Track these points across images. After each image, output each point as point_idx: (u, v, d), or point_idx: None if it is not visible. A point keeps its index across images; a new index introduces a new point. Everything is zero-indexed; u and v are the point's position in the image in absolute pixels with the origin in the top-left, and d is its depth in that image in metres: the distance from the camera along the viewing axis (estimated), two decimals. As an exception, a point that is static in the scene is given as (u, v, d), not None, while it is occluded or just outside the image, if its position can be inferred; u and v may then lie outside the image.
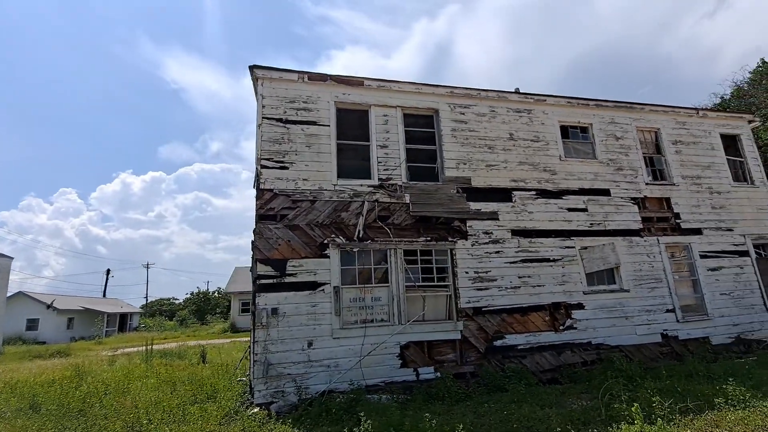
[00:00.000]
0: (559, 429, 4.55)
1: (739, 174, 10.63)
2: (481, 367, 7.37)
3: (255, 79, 7.90)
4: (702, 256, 9.40)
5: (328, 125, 7.96)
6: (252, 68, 7.83)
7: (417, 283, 7.57)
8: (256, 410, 6.21)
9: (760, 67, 19.76)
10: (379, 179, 7.94)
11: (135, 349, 19.38)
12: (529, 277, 8.15)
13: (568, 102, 9.58)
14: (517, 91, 9.56)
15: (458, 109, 8.84)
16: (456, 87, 8.84)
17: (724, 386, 5.35)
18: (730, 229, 9.87)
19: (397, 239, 7.62)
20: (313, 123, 7.90)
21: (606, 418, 4.98)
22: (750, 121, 11.22)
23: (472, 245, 8.04)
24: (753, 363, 7.41)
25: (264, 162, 7.45)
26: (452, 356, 7.40)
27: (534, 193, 8.75)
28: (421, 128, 8.64)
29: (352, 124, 8.40)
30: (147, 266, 67.14)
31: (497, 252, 8.14)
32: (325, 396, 6.44)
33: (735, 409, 4.94)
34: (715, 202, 10.00)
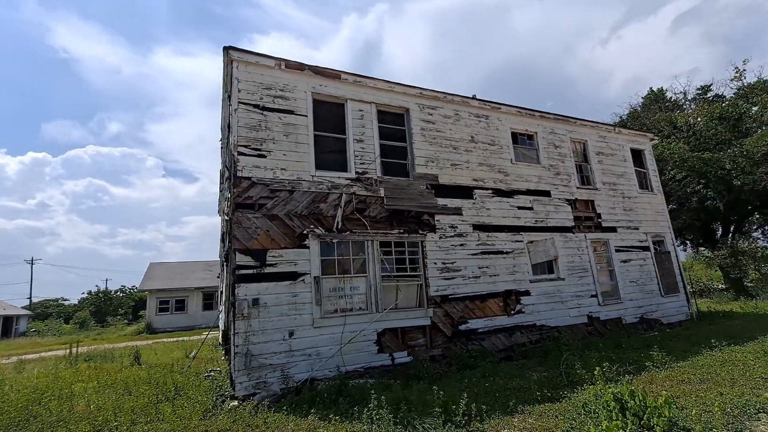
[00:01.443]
0: (538, 393, 5.29)
1: (643, 183, 12.84)
2: (448, 350, 8.01)
3: (230, 62, 7.55)
4: (617, 250, 11.22)
5: (306, 115, 7.93)
6: (227, 49, 7.47)
7: (393, 273, 7.93)
8: (234, 403, 6.06)
9: (650, 94, 23.72)
10: (356, 172, 8.14)
11: (35, 355, 16.83)
12: (487, 267, 9.01)
13: (518, 111, 10.70)
14: (475, 98, 10.40)
15: (426, 109, 9.38)
16: (425, 89, 9.36)
17: (650, 353, 6.61)
18: (636, 228, 11.90)
19: (373, 231, 7.91)
20: (291, 112, 7.81)
21: (568, 383, 5.88)
22: (651, 139, 13.58)
23: (440, 238, 8.65)
24: (658, 337, 9.13)
25: (241, 149, 7.19)
26: (422, 341, 7.92)
27: (491, 192, 9.66)
28: (393, 125, 9.00)
29: (329, 117, 8.46)
30: (31, 262, 57.86)
31: (461, 245, 8.85)
32: (307, 384, 6.52)
33: (660, 369, 6.19)
34: (626, 205, 11.97)
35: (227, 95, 8.47)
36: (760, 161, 15.32)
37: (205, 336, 19.47)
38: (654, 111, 21.93)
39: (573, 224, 10.68)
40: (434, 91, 9.46)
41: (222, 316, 10.68)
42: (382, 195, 8.24)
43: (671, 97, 23.44)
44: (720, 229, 20.67)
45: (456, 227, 8.92)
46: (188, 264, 36.30)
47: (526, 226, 9.89)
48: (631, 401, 4.11)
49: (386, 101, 8.90)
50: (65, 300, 66.93)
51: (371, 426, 4.56)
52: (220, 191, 15.38)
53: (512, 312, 9.02)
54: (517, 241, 9.62)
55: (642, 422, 3.96)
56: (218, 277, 14.36)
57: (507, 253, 9.39)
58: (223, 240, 9.23)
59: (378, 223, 8.06)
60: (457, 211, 9.05)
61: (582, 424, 4.28)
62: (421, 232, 8.46)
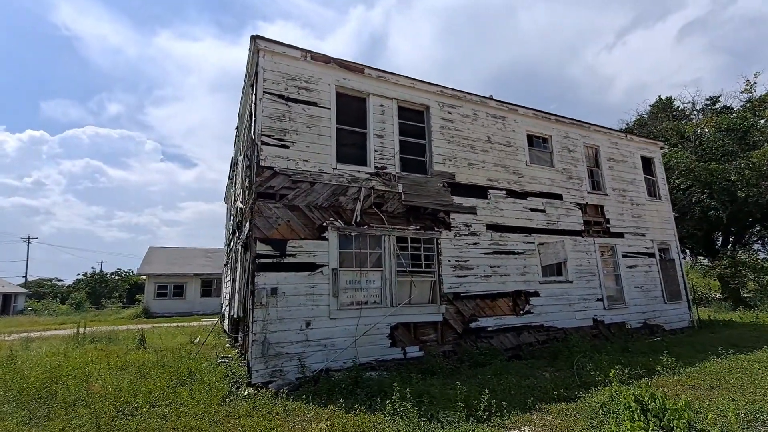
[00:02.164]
0: (555, 392, 5.41)
1: (652, 190, 12.96)
2: (458, 346, 8.13)
3: (256, 51, 7.55)
4: (623, 256, 11.36)
5: (329, 108, 7.95)
6: (254, 38, 7.47)
7: (408, 269, 8.02)
8: (249, 390, 6.14)
9: (658, 102, 23.83)
10: (376, 167, 8.19)
11: (36, 334, 16.85)
12: (498, 267, 9.12)
13: (534, 114, 10.76)
14: (491, 98, 10.44)
15: (446, 108, 9.42)
16: (445, 87, 9.39)
17: (660, 358, 6.75)
18: (643, 235, 12.04)
19: (390, 226, 7.98)
20: (314, 104, 7.83)
21: (581, 383, 6.01)
22: (661, 148, 13.70)
23: (455, 236, 8.74)
24: (663, 343, 9.29)
25: (264, 138, 7.22)
26: (434, 336, 8.03)
27: (504, 192, 9.74)
28: (413, 122, 9.04)
29: (351, 111, 8.48)
30: (28, 240, 57.67)
31: (475, 243, 8.95)
32: (322, 374, 6.62)
33: (670, 374, 6.33)
34: (634, 212, 12.10)
35: (250, 84, 8.47)
36: (766, 174, 15.50)
37: (214, 323, 19.56)
38: (661, 119, 22.06)
39: (583, 228, 10.80)
40: (454, 89, 9.50)
41: (231, 303, 10.75)
42: (400, 191, 8.30)
43: (679, 107, 23.58)
44: (720, 240, 20.91)
45: (470, 226, 9.00)
46: (188, 250, 36.27)
47: (537, 228, 9.99)
48: (652, 403, 4.23)
49: (407, 98, 8.93)
50: (59, 280, 66.79)
51: (394, 417, 4.66)
52: (230, 179, 15.38)
53: (521, 312, 9.14)
54: (528, 242, 9.73)
55: (662, 424, 4.08)
56: (226, 265, 14.40)
57: (518, 253, 9.49)
58: (239, 227, 9.26)
59: (395, 218, 8.13)
60: (472, 210, 9.13)
61: (601, 424, 4.40)
62: (436, 229, 8.54)
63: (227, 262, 14.12)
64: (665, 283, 11.98)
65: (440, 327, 8.10)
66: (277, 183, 7.19)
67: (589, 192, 11.26)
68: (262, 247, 6.79)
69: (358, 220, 7.69)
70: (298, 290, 6.90)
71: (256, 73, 7.70)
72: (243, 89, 9.16)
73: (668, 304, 11.86)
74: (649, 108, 24.22)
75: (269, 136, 7.27)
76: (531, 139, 10.70)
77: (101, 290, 54.67)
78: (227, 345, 11.57)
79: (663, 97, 23.76)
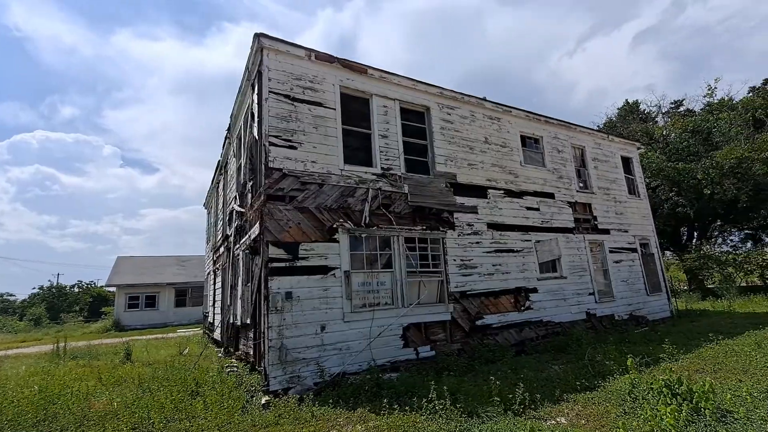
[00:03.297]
0: (577, 383, 5.57)
1: (631, 188, 13.65)
2: (466, 344, 8.22)
3: (260, 49, 7.37)
4: (610, 251, 11.89)
5: (334, 108, 7.87)
6: (258, 36, 7.29)
7: (417, 269, 8.04)
8: (267, 398, 5.96)
9: (625, 106, 25.17)
10: (382, 168, 8.17)
11: (1, 353, 15.56)
12: (500, 265, 9.31)
13: (527, 115, 11.10)
14: (487, 100, 10.67)
15: (445, 109, 9.55)
16: (444, 88, 9.52)
17: (662, 346, 7.08)
18: (626, 231, 12.65)
19: (398, 227, 7.98)
20: (320, 104, 7.73)
21: (595, 373, 6.22)
22: (638, 148, 14.47)
23: (459, 235, 8.85)
24: (657, 332, 9.77)
25: (272, 139, 7.05)
26: (443, 336, 8.08)
27: (503, 192, 9.97)
28: (415, 123, 9.10)
29: (355, 112, 8.44)
30: (-25, 254, 53.33)
31: (477, 242, 9.09)
32: (339, 378, 6.50)
33: (674, 361, 6.66)
34: (617, 209, 12.69)
35: (250, 84, 8.25)
36: (728, 173, 16.70)
37: (194, 333, 18.68)
38: (629, 122, 23.32)
39: (573, 225, 11.21)
40: (453, 91, 9.64)
41: (229, 311, 10.37)
42: (406, 191, 8.32)
43: (645, 110, 25.01)
44: (686, 235, 22.29)
45: (472, 225, 9.15)
46: (159, 258, 34.71)
47: (533, 226, 10.28)
48: (680, 388, 4.44)
49: (409, 99, 8.99)
50: (11, 295, 62.14)
51: (432, 416, 4.65)
52: (214, 183, 14.87)
53: (522, 308, 9.36)
54: (525, 240, 9.99)
55: (691, 406, 4.29)
56: (213, 272, 13.88)
57: (517, 251, 9.73)
58: (239, 232, 8.95)
59: (402, 219, 8.14)
60: (474, 210, 9.28)
61: (633, 410, 4.57)
62: (441, 229, 8.61)
63: (215, 268, 13.61)
64: (647, 277, 12.62)
65: (449, 326, 8.16)
66: (287, 185, 7.03)
67: (577, 191, 11.71)
68: (274, 251, 6.60)
69: (367, 222, 7.63)
70: (311, 294, 6.76)
71: (259, 72, 7.51)
72: (239, 89, 8.91)
73: (650, 296, 12.50)
74: (617, 111, 25.57)
75: (276, 137, 7.10)
76: (524, 140, 11.02)
77: (60, 304, 51.33)
78: (219, 355, 11.15)
79: (630, 101, 25.16)
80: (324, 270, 6.98)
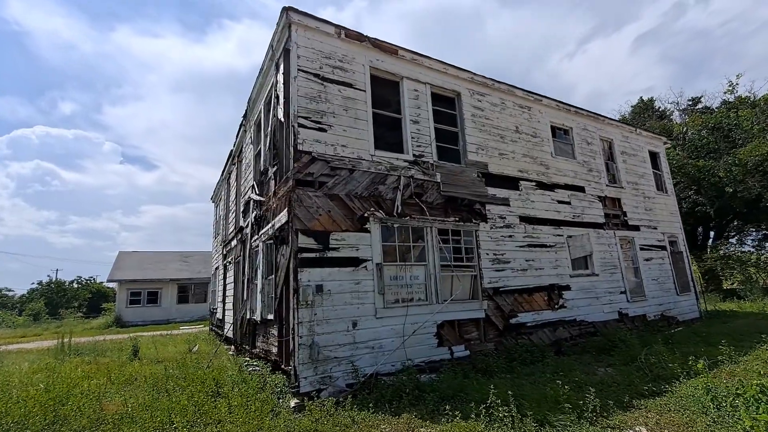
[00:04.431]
0: (644, 387, 5.07)
1: (659, 184, 13.15)
2: (500, 344, 7.71)
3: (288, 24, 6.84)
4: (641, 249, 11.39)
5: (364, 90, 7.35)
6: (286, 10, 6.76)
7: (452, 263, 7.52)
8: (296, 401, 5.44)
9: (639, 103, 24.68)
10: (414, 155, 7.66)
11: (1, 348, 15.01)
12: (533, 260, 8.80)
13: (557, 105, 10.59)
14: (516, 87, 10.14)
15: (476, 96, 9.04)
16: (475, 74, 9.01)
17: (713, 347, 6.59)
18: (655, 228, 12.16)
19: (431, 218, 7.46)
20: (350, 85, 7.21)
21: (654, 377, 5.71)
22: (665, 143, 13.98)
23: (491, 228, 8.34)
24: (690, 333, 9.28)
25: (301, 120, 6.52)
26: (476, 334, 7.57)
27: (534, 184, 9.46)
28: (446, 109, 8.58)
29: (385, 95, 7.94)
30: (-26, 248, 52.72)
31: (510, 236, 8.58)
32: (373, 379, 5.99)
33: (731, 363, 6.16)
34: (646, 205, 12.20)
35: (274, 63, 7.72)
36: (752, 170, 16.22)
37: (200, 330, 18.10)
38: (644, 119, 22.83)
39: (604, 221, 10.71)
40: (484, 76, 9.13)
41: (245, 306, 9.86)
42: (438, 180, 7.81)
43: (659, 107, 24.52)
44: (701, 234, 21.81)
45: (504, 218, 8.64)
46: (161, 254, 34.13)
47: (565, 221, 9.78)
48: (776, 394, 3.93)
49: (440, 83, 8.47)
50: (9, 290, 61.52)
51: (494, 424, 4.13)
52: (224, 175, 14.33)
53: (556, 307, 8.86)
54: (558, 234, 9.48)
55: (791, 415, 3.79)
56: (223, 266, 13.35)
57: (550, 246, 9.23)
58: (259, 222, 8.41)
59: (434, 209, 7.62)
60: (505, 202, 8.77)
61: (721, 417, 4.07)
62: (474, 221, 8.10)
63: (225, 263, 13.08)
64: (676, 276, 12.13)
65: (482, 324, 7.65)
66: (316, 169, 6.50)
67: (607, 185, 11.21)
68: (304, 240, 6.08)
69: (399, 211, 7.12)
70: (343, 287, 6.24)
71: (286, 50, 6.99)
72: (260, 71, 8.37)
73: (680, 295, 12.01)
74: (630, 108, 25.08)
75: (306, 118, 6.57)
76: (554, 131, 10.51)
77: (59, 300, 50.73)
78: (230, 353, 10.62)
79: (645, 98, 24.67)
80: (355, 262, 6.46)
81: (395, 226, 7.05)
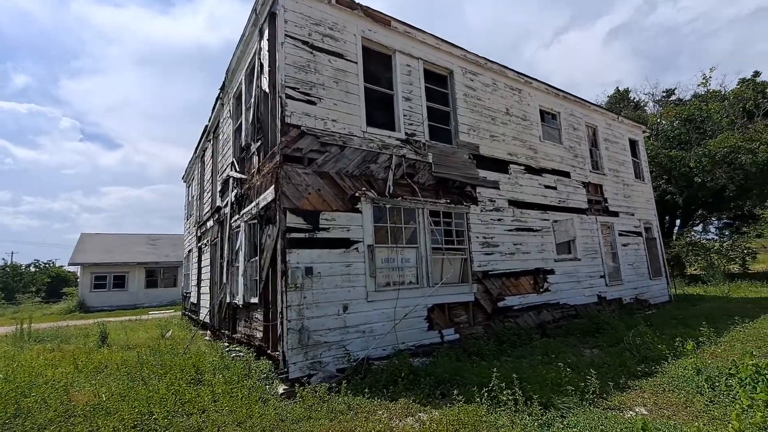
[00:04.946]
0: (638, 369, 5.11)
1: (637, 172, 13.46)
2: (488, 327, 7.68)
3: (274, -15, 6.29)
4: (619, 234, 11.65)
5: (356, 62, 6.94)
6: (273, -30, 6.21)
7: (443, 246, 7.36)
8: (285, 387, 5.19)
9: (615, 94, 25.20)
10: (406, 133, 7.36)
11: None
12: (520, 244, 8.78)
13: (546, 89, 10.50)
14: (508, 67, 9.94)
15: (468, 74, 8.78)
16: (468, 51, 8.73)
17: (692, 329, 6.79)
18: (632, 215, 12.47)
19: (423, 199, 7.24)
20: (340, 56, 6.77)
21: (641, 358, 5.80)
22: (644, 132, 14.28)
23: (481, 211, 8.22)
24: (665, 316, 9.60)
25: (289, 91, 6.07)
26: (465, 318, 7.50)
27: (523, 168, 9.40)
28: (438, 87, 8.29)
29: (377, 69, 7.57)
30: None
31: (499, 220, 8.50)
32: (364, 363, 5.80)
33: (712, 344, 6.36)
34: (625, 192, 12.46)
35: (257, 29, 7.15)
36: (720, 162, 16.92)
37: (171, 315, 17.30)
38: (620, 108, 23.35)
39: (587, 207, 10.84)
40: (476, 55, 8.86)
41: (224, 290, 9.41)
42: (430, 161, 7.56)
43: (634, 98, 25.15)
44: (668, 223, 22.78)
45: (494, 201, 8.54)
46: (126, 237, 32.53)
47: (551, 205, 9.81)
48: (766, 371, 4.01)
49: (432, 59, 8.14)
50: (-42, 274, 57.48)
51: (497, 408, 4.02)
52: (198, 153, 13.55)
53: (541, 290, 8.92)
54: (544, 219, 9.51)
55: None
56: (199, 248, 12.71)
57: (536, 231, 9.24)
58: (240, 201, 7.92)
59: (425, 191, 7.39)
60: (495, 185, 8.66)
61: (716, 397, 4.12)
62: (464, 203, 7.95)
63: (200, 245, 12.45)
64: (650, 261, 12.55)
65: (471, 308, 7.58)
66: (305, 145, 6.10)
67: (590, 171, 11.33)
68: (293, 220, 5.72)
69: (391, 191, 6.84)
70: (333, 270, 5.95)
71: (272, 13, 6.47)
72: (242, 37, 7.76)
73: (652, 280, 12.45)
74: (607, 98, 25.59)
75: (294, 89, 6.12)
76: (542, 115, 10.44)
77: (15, 285, 47.82)
78: (207, 338, 10.18)
79: (620, 89, 25.23)
80: (346, 243, 6.17)
81: (387, 206, 6.78)
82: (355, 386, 5.05)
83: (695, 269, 19.65)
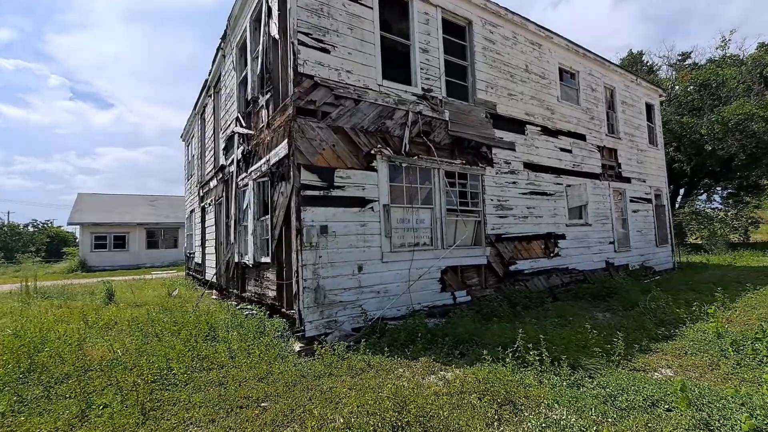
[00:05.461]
0: (658, 331, 5.08)
1: (651, 137, 13.10)
2: (499, 290, 7.65)
3: None
4: (630, 200, 11.49)
5: (371, 7, 6.41)
6: None
7: (458, 208, 7.17)
8: (300, 345, 5.15)
9: (629, 57, 24.22)
10: (422, 88, 6.95)
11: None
12: (533, 208, 8.61)
13: (567, 45, 9.93)
14: (529, 20, 9.32)
15: (488, 26, 8.23)
16: (489, 0, 8.13)
17: (712, 295, 6.76)
18: (644, 181, 12.25)
19: (439, 159, 6.95)
20: (355, 0, 6.24)
21: (658, 322, 5.78)
22: (660, 96, 13.77)
23: (497, 173, 7.97)
24: (674, 281, 9.63)
25: (302, 37, 5.61)
26: (477, 280, 7.44)
27: (539, 129, 9.05)
28: (455, 39, 7.77)
29: (392, 17, 7.05)
30: None
31: (514, 182, 8.27)
32: (379, 323, 5.75)
33: (729, 309, 6.35)
34: (639, 157, 12.17)
35: (265, -32, 6.54)
36: (733, 129, 16.51)
37: (175, 275, 17.27)
38: (634, 72, 22.50)
39: (600, 171, 10.59)
40: (497, 4, 8.27)
41: (231, 249, 9.28)
42: (447, 119, 7.21)
43: (647, 61, 24.21)
44: (671, 191, 22.63)
45: (510, 163, 8.27)
46: (126, 197, 32.17)
47: (565, 169, 9.55)
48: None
49: (451, 8, 7.57)
50: (-45, 234, 57.43)
51: (521, 368, 3.97)
52: (198, 108, 13.00)
53: (552, 255, 8.85)
54: (557, 183, 9.28)
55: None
56: (202, 208, 12.48)
57: (550, 195, 9.04)
58: (248, 158, 7.59)
59: (441, 150, 7.10)
60: (511, 146, 8.35)
61: (742, 360, 4.09)
62: (480, 165, 7.68)
63: (203, 205, 12.20)
64: (658, 228, 12.47)
65: (484, 270, 7.51)
66: (319, 97, 5.73)
67: (606, 134, 10.98)
68: (307, 176, 5.47)
69: (407, 150, 6.55)
70: (348, 229, 5.77)
71: (282, -51, 5.87)
72: (246, -21, 7.14)
73: (658, 247, 12.44)
74: (620, 61, 24.60)
75: (307, 35, 5.67)
76: (561, 74, 9.94)
77: (14, 244, 47.86)
78: (214, 298, 10.19)
79: (634, 51, 24.21)
80: (361, 202, 5.95)
81: (403, 165, 6.51)
82: (373, 345, 5.01)
83: (696, 238, 19.71)
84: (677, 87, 20.05)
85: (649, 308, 6.18)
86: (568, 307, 7.12)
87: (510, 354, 4.07)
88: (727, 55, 19.79)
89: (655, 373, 3.98)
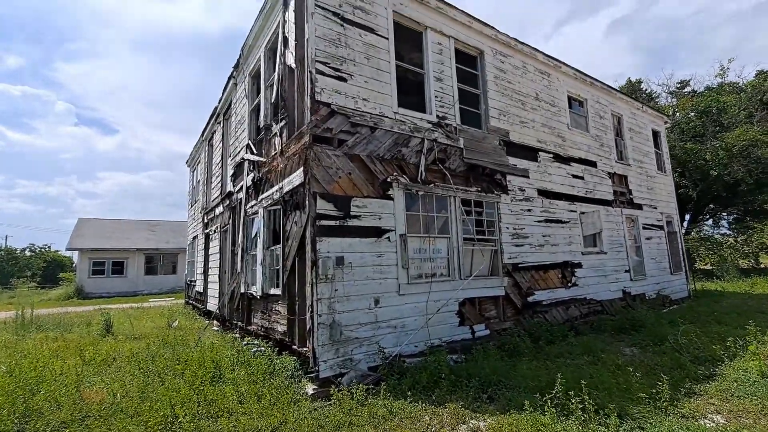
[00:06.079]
0: (699, 372, 4.75)
1: (659, 164, 13.05)
2: (518, 323, 7.32)
3: (302, -52, 5.73)
4: (643, 227, 11.29)
5: (387, 38, 6.41)
6: (301, -70, 5.64)
7: (475, 237, 6.95)
8: (314, 387, 4.80)
9: (627, 85, 24.66)
10: (437, 116, 6.88)
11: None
12: (549, 236, 8.39)
13: (575, 74, 10.01)
14: (538, 50, 9.42)
15: (499, 56, 8.27)
16: (499, 31, 8.20)
17: (745, 327, 6.44)
18: (655, 207, 12.10)
19: (455, 186, 6.79)
20: (371, 30, 6.25)
21: (692, 359, 5.45)
22: (665, 122, 13.84)
23: (511, 201, 7.80)
24: (690, 312, 9.29)
25: (319, 66, 5.56)
26: (494, 313, 7.13)
27: (552, 156, 8.95)
28: (468, 68, 7.79)
29: (407, 47, 7.07)
30: None
31: (528, 210, 8.09)
32: (397, 361, 5.41)
33: (761, 344, 6.02)
34: (648, 184, 12.07)
35: (281, 0, 6.60)
36: (737, 155, 16.55)
37: (173, 303, 16.78)
38: (639, 100, 22.83)
39: (612, 198, 10.45)
40: (507, 35, 8.34)
41: (238, 280, 8.99)
42: (462, 146, 7.11)
43: (646, 89, 24.62)
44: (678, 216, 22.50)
45: (524, 190, 8.11)
46: (126, 222, 31.92)
47: (578, 196, 9.40)
48: None
49: (463, 38, 7.62)
50: (-50, 259, 56.73)
51: (562, 417, 3.64)
52: (206, 135, 12.98)
53: (569, 284, 8.56)
54: (571, 210, 9.10)
55: None
56: (206, 235, 12.23)
57: (565, 222, 8.84)
58: (258, 186, 7.43)
59: (456, 177, 6.95)
60: (525, 173, 8.22)
61: (799, 408, 3.77)
62: (495, 192, 7.52)
63: (208, 231, 11.97)
64: (671, 255, 12.22)
65: (501, 302, 7.20)
66: (336, 124, 5.62)
67: (616, 161, 10.91)
68: (323, 206, 5.27)
69: (423, 177, 6.39)
70: (364, 260, 5.53)
71: (299, -20, 5.91)
72: (261, 11, 7.20)
73: (673, 275, 12.14)
74: (619, 88, 25.02)
75: (325, 64, 5.61)
76: (570, 102, 9.96)
77: (10, 269, 47.17)
78: (215, 329, 9.79)
79: (632, 79, 24.67)
80: (378, 232, 5.73)
81: (419, 193, 6.33)
82: (394, 388, 4.65)
83: (705, 264, 19.41)
84: (678, 114, 20.27)
85: (681, 343, 5.85)
86: (593, 342, 6.76)
87: (548, 400, 3.75)
88: (726, 82, 20.13)
89: (705, 420, 3.65)
